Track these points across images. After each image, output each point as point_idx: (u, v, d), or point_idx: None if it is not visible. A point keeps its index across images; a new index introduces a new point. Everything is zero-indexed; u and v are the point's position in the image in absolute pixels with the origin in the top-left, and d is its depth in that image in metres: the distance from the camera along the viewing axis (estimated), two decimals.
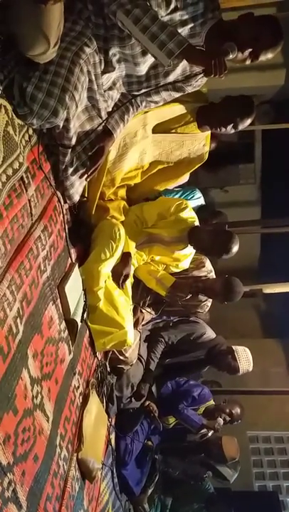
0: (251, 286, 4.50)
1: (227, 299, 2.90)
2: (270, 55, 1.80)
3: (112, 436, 2.75)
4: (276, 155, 6.58)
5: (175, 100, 2.37)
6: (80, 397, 2.15)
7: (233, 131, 2.50)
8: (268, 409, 4.92)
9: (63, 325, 1.94)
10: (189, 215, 2.72)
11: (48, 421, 1.68)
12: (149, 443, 3.10)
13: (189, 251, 2.83)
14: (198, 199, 3.13)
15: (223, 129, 2.49)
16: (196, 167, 2.77)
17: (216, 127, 2.52)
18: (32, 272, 1.64)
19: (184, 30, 1.77)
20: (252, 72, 5.33)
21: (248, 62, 1.81)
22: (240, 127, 2.47)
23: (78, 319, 2.05)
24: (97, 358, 2.47)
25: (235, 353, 3.09)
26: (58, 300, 1.90)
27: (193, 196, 3.10)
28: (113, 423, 2.78)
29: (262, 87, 5.77)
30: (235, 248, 2.62)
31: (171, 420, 3.25)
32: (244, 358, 3.08)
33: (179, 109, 2.49)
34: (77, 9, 1.74)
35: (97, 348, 2.40)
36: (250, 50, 1.75)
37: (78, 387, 2.12)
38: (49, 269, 1.81)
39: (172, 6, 1.72)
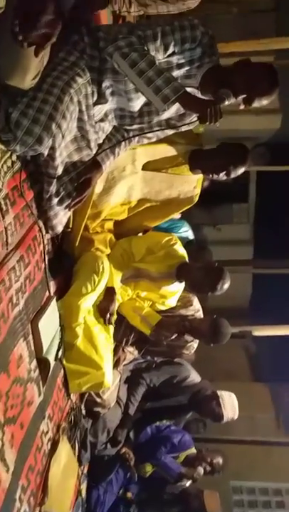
0: (241, 327, 4.38)
1: (214, 340, 2.76)
2: (264, 102, 1.81)
3: (84, 486, 2.55)
4: (270, 196, 6.66)
5: (168, 141, 2.35)
6: (49, 444, 1.97)
7: (225, 178, 2.46)
8: (253, 458, 4.70)
9: (34, 364, 1.80)
10: (179, 251, 2.62)
11: (7, 471, 1.53)
12: (129, 494, 2.88)
13: (177, 288, 2.71)
14: (185, 232, 3.04)
15: (216, 176, 2.45)
16: (185, 208, 2.69)
17: (209, 173, 2.48)
18: (2, 304, 1.51)
19: (179, 72, 1.78)
20: (249, 116, 5.42)
21: (241, 107, 1.82)
22: (233, 175, 2.44)
23: (52, 358, 1.91)
24: (71, 400, 2.30)
25: (220, 399, 2.92)
26: (30, 336, 1.77)
27: (180, 229, 3.00)
28: (85, 471, 2.58)
29: (258, 130, 5.87)
30: (226, 285, 2.51)
31: (149, 468, 3.03)
32: (229, 404, 2.91)
33: (171, 150, 2.44)
34: (73, 40, 1.74)
35: (71, 390, 2.24)
36: (244, 96, 1.76)
37: (47, 432, 1.95)
38: (22, 303, 1.68)
39: (170, 51, 1.73)
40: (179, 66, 1.76)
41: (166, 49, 1.70)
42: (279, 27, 5.75)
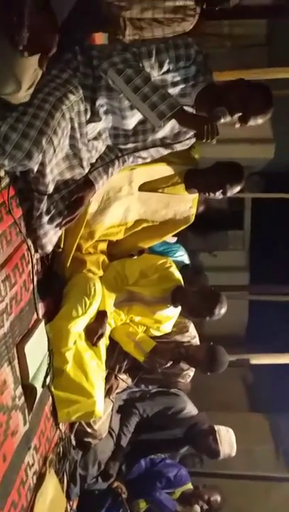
0: (238, 355, 4.28)
1: (210, 369, 2.66)
2: (259, 121, 1.82)
3: None
4: (265, 223, 6.71)
5: (164, 161, 2.32)
6: (34, 477, 1.84)
7: (221, 196, 2.43)
8: (252, 494, 4.50)
9: (19, 390, 1.69)
10: (174, 275, 2.55)
11: None
12: None
13: (172, 313, 2.63)
14: (181, 256, 2.98)
15: (212, 195, 2.42)
16: (182, 228, 2.64)
17: (205, 192, 2.45)
18: None
19: (174, 90, 1.77)
20: (243, 145, 5.49)
21: (237, 125, 1.81)
22: (229, 193, 2.41)
23: (38, 385, 1.80)
24: (60, 430, 2.18)
25: (217, 435, 2.77)
26: (16, 361, 1.67)
27: (175, 253, 2.94)
28: (74, 507, 2.43)
29: (252, 159, 5.94)
30: (223, 310, 2.44)
31: (143, 505, 2.86)
32: (226, 441, 2.77)
33: (167, 170, 2.41)
34: (66, 58, 1.73)
35: (59, 419, 2.12)
36: (239, 114, 1.75)
37: (33, 464, 1.82)
38: (7, 325, 1.59)
39: (165, 69, 1.72)
40: (174, 84, 1.75)
41: (160, 66, 1.70)
42: (271, 60, 5.89)
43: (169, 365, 2.71)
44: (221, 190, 2.35)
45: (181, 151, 2.35)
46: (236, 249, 7.42)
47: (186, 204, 2.53)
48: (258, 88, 1.81)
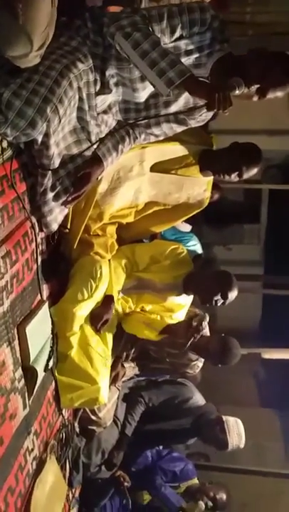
0: (249, 349, 4.19)
1: (222, 361, 2.56)
2: (279, 93, 1.66)
3: (74, 511, 2.34)
4: (282, 218, 6.56)
5: (178, 140, 2.23)
6: (34, 463, 1.79)
7: (237, 179, 2.32)
8: (260, 490, 4.42)
9: (19, 373, 1.63)
10: (186, 261, 2.46)
11: None
12: None
13: (184, 301, 2.54)
14: (193, 246, 2.88)
15: (227, 177, 2.30)
16: (195, 212, 2.54)
17: (220, 174, 2.33)
18: None
19: (188, 60, 1.65)
20: (261, 136, 5.35)
21: (255, 99, 1.67)
22: (245, 176, 2.29)
23: (40, 368, 1.74)
24: (63, 416, 2.12)
25: (225, 425, 2.68)
26: (16, 342, 1.61)
27: (188, 242, 2.84)
28: (77, 495, 2.38)
29: (270, 151, 5.77)
30: (235, 291, 2.34)
31: (146, 496, 2.81)
32: (235, 431, 2.68)
33: (180, 150, 2.30)
34: (75, 26, 1.65)
35: (62, 405, 2.06)
36: (257, 86, 1.62)
37: (32, 449, 1.77)
38: (7, 303, 1.53)
39: (177, 34, 1.61)
40: (188, 53, 1.64)
41: (172, 32, 1.58)
42: None
43: (183, 341, 2.56)
44: (237, 173, 2.25)
45: (197, 131, 2.26)
46: (251, 243, 7.30)
47: (200, 187, 2.43)
48: (277, 57, 1.66)
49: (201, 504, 2.62)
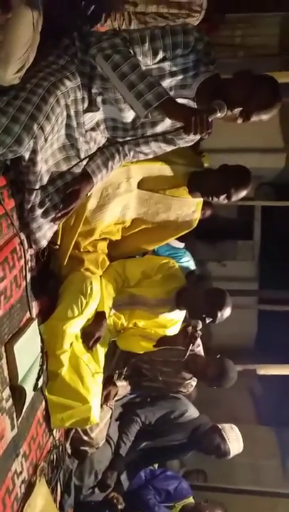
0: (245, 365, 4.16)
1: (218, 384, 2.56)
2: (264, 117, 1.67)
3: None
4: (275, 234, 6.60)
5: (167, 161, 2.23)
6: (23, 486, 1.74)
7: (225, 201, 2.28)
8: (257, 510, 4.34)
9: (7, 392, 1.60)
10: (178, 276, 2.44)
11: None
12: None
13: (177, 316, 2.52)
14: (186, 262, 2.86)
15: (215, 199, 2.28)
16: (184, 233, 2.52)
17: (208, 196, 2.31)
18: None
19: (173, 81, 1.66)
20: (253, 154, 5.41)
21: (239, 121, 1.68)
22: (234, 198, 2.27)
23: (29, 387, 1.70)
24: (54, 437, 2.07)
25: (223, 433, 2.67)
26: (4, 360, 1.57)
27: (181, 258, 2.83)
28: None
29: (263, 169, 5.85)
30: (228, 310, 2.31)
31: None
32: (233, 438, 2.67)
33: (168, 170, 2.30)
34: (64, 45, 1.66)
35: (53, 425, 2.02)
36: (240, 108, 1.63)
37: (21, 472, 1.72)
38: None
39: (160, 56, 1.61)
40: (172, 74, 1.64)
41: (155, 54, 1.59)
42: (283, 70, 5.81)
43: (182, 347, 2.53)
44: (225, 195, 2.21)
45: (186, 152, 2.26)
46: (245, 259, 7.31)
47: (189, 208, 2.41)
48: (261, 80, 1.67)
49: None
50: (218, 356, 2.61)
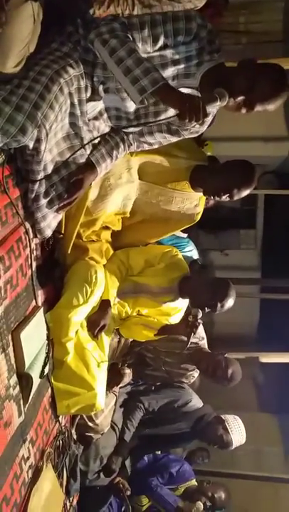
0: (247, 353, 4.18)
1: (223, 384, 2.60)
2: (269, 107, 1.63)
3: None
4: (278, 223, 6.57)
5: (169, 155, 2.21)
6: (30, 471, 1.77)
7: (227, 199, 2.22)
8: (259, 495, 4.39)
9: (14, 379, 1.61)
10: (180, 264, 2.45)
11: None
12: None
13: (180, 305, 2.53)
14: (190, 252, 2.87)
15: (217, 198, 2.23)
16: (185, 227, 2.51)
17: (210, 195, 2.26)
18: None
19: (176, 70, 1.63)
20: (256, 143, 5.37)
21: (243, 111, 1.64)
22: (236, 198, 2.20)
23: (35, 374, 1.72)
24: (60, 423, 2.10)
25: (227, 424, 2.71)
26: (10, 348, 1.59)
27: (184, 247, 2.83)
28: (74, 503, 2.35)
29: (266, 157, 5.82)
30: (231, 300, 2.32)
31: (145, 501, 2.78)
32: (236, 429, 2.70)
33: (171, 164, 2.26)
34: (67, 32, 1.64)
35: (58, 411, 2.05)
36: (243, 97, 1.60)
37: (28, 458, 1.75)
38: (1, 310, 1.52)
39: (160, 43, 1.57)
40: (175, 62, 1.61)
41: (155, 40, 1.55)
42: (287, 56, 5.75)
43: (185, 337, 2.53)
44: (227, 195, 2.16)
45: (189, 146, 2.24)
46: (248, 249, 7.31)
47: (191, 202, 2.39)
48: (265, 68, 1.62)
49: (200, 504, 2.60)
50: (225, 355, 2.64)
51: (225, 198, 2.19)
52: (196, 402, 2.81)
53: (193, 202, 2.42)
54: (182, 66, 1.62)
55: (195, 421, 2.77)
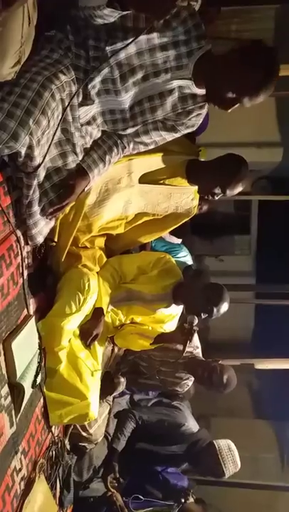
0: (242, 359, 4.16)
1: (218, 390, 2.60)
2: (259, 99, 1.67)
3: None
4: (272, 228, 6.59)
5: (164, 151, 2.21)
6: (22, 483, 1.74)
7: (221, 195, 2.26)
8: (256, 503, 4.36)
9: (5, 390, 1.59)
10: (173, 271, 2.44)
11: None
12: None
13: (174, 311, 2.52)
14: (184, 257, 2.86)
15: (211, 192, 2.27)
16: (183, 221, 2.51)
17: (204, 194, 2.32)
18: None
19: (167, 57, 1.64)
20: (250, 148, 5.40)
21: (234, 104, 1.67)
22: (229, 194, 2.26)
23: (27, 384, 1.70)
24: (52, 434, 2.07)
25: (219, 456, 2.64)
26: (2, 358, 1.57)
27: (178, 253, 2.82)
28: None
29: (260, 163, 5.84)
30: (226, 306, 2.31)
31: None
32: (230, 459, 2.64)
33: (167, 160, 2.28)
34: (57, 39, 1.65)
35: (51, 421, 2.02)
36: (232, 94, 1.64)
37: (20, 469, 1.72)
38: None
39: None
40: (163, 48, 1.62)
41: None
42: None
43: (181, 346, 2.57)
44: (220, 190, 2.21)
45: (183, 141, 2.25)
46: (243, 254, 7.32)
47: (187, 196, 2.40)
48: (253, 55, 1.64)
49: None
50: (219, 362, 2.63)
51: (218, 192, 2.23)
52: (191, 425, 2.78)
53: (190, 195, 2.44)
54: (171, 53, 1.63)
55: (188, 446, 2.75)
